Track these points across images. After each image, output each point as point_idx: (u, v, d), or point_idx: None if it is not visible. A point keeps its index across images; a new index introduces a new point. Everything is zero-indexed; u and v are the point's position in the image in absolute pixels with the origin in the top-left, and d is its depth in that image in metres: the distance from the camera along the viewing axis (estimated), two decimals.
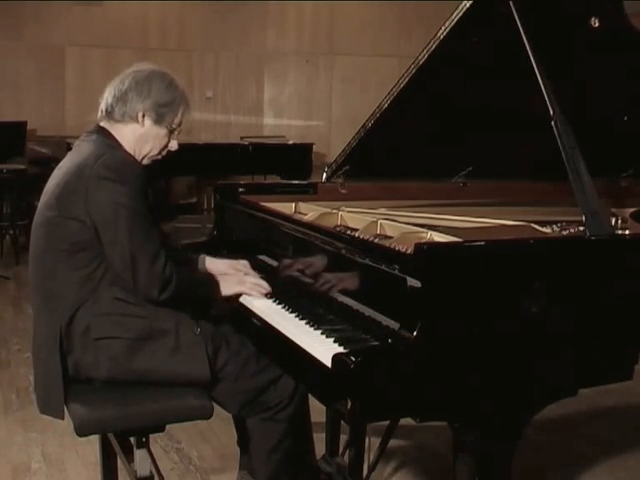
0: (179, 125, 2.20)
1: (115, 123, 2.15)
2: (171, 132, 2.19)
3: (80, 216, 2.02)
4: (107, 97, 2.16)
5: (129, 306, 2.07)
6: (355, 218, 2.46)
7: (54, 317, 2.06)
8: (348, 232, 2.26)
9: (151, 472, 2.10)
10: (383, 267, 1.78)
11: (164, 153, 2.23)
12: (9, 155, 6.74)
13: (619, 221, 2.36)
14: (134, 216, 2.02)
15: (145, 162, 2.20)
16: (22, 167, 6.64)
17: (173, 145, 2.23)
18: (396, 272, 1.73)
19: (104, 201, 2.00)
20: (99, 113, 2.18)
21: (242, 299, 2.22)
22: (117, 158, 2.06)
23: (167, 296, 2.06)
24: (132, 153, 2.16)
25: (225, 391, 2.14)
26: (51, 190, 2.09)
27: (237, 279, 2.26)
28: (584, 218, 1.92)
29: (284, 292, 2.22)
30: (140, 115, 2.13)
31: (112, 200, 2.00)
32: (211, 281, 2.23)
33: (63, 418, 2.08)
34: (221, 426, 3.08)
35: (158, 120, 2.15)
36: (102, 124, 2.18)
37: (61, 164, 2.16)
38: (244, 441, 2.37)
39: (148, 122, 2.15)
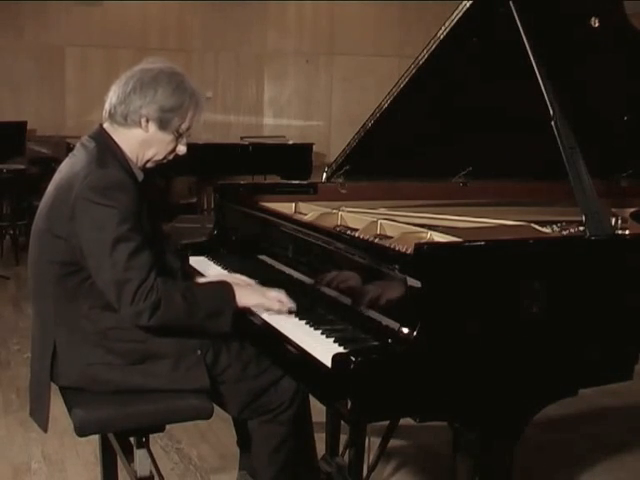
0: (187, 129, 2.08)
1: (118, 126, 2.04)
2: (178, 137, 2.07)
3: (65, 236, 1.94)
4: (111, 97, 2.04)
5: (123, 332, 2.00)
6: (355, 218, 2.46)
7: (47, 334, 2.04)
8: (348, 232, 2.26)
9: (151, 472, 2.10)
10: (383, 267, 1.78)
11: (170, 157, 2.11)
12: (9, 155, 6.73)
13: (619, 221, 2.36)
14: (118, 241, 1.90)
15: (149, 165, 2.10)
16: (22, 167, 6.63)
17: (181, 150, 2.09)
18: (396, 272, 1.73)
19: (89, 225, 1.91)
20: (104, 112, 2.07)
21: None
22: (106, 178, 1.93)
23: (156, 322, 1.92)
24: (134, 158, 2.06)
25: (226, 394, 2.13)
26: (46, 198, 2.03)
27: (260, 290, 2.11)
28: (584, 218, 1.92)
29: (284, 292, 2.22)
30: (144, 120, 2.01)
31: (97, 224, 1.90)
32: (221, 295, 2.05)
33: (46, 430, 2.07)
34: (221, 426, 3.08)
35: (163, 126, 2.02)
36: (105, 126, 2.08)
37: (61, 167, 2.08)
38: (244, 441, 2.37)
39: (153, 128, 2.03)
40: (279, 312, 2.04)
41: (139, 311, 1.91)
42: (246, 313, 2.14)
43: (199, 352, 2.05)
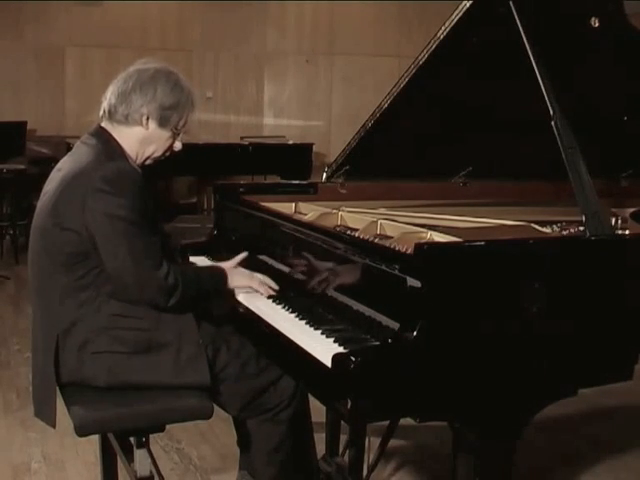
0: (184, 126, 2.16)
1: (118, 125, 2.10)
2: (176, 134, 2.15)
3: (76, 228, 1.98)
4: (110, 97, 2.09)
5: (128, 320, 2.04)
6: (355, 218, 2.46)
7: (51, 326, 2.04)
8: (348, 232, 2.26)
9: (151, 472, 2.09)
10: (383, 267, 1.78)
11: (168, 154, 2.19)
12: (9, 155, 6.73)
13: (619, 221, 2.36)
14: (133, 229, 1.98)
15: (148, 162, 2.16)
16: (22, 167, 6.64)
17: (177, 145, 2.18)
18: (396, 272, 1.73)
19: (102, 214, 1.96)
20: (101, 112, 2.12)
21: (242, 299, 2.22)
22: (115, 169, 1.99)
23: (175, 301, 2.04)
24: (134, 155, 2.12)
25: (225, 392, 2.14)
26: (49, 195, 2.05)
27: (247, 273, 2.26)
28: (584, 218, 1.92)
29: (284, 292, 2.22)
30: (144, 118, 2.08)
31: (110, 213, 1.96)
32: (219, 276, 2.22)
33: (54, 426, 2.07)
34: (221, 426, 3.08)
35: (163, 123, 2.10)
36: (103, 124, 2.12)
37: (60, 165, 2.12)
38: (244, 441, 2.37)
39: (153, 125, 2.10)
40: (263, 293, 2.22)
41: (159, 294, 2.02)
42: (246, 314, 2.15)
43: (200, 341, 2.08)
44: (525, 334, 1.76)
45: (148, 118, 2.09)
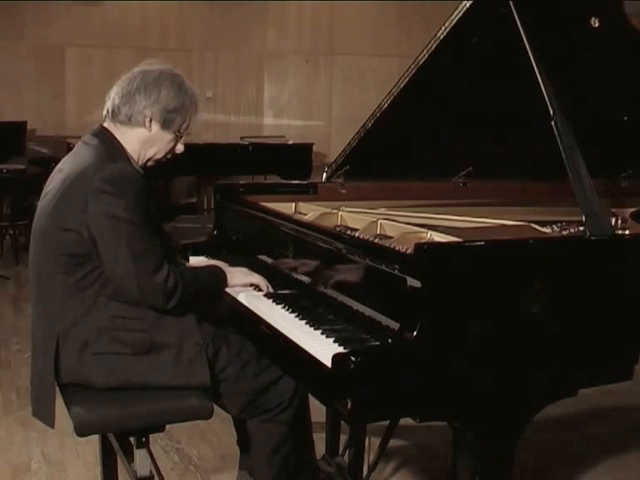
0: (187, 129, 2.15)
1: (120, 125, 2.09)
2: (179, 136, 2.15)
3: (77, 228, 1.98)
4: (114, 97, 2.09)
5: (128, 321, 2.04)
6: (355, 218, 2.46)
7: (51, 327, 2.04)
8: (348, 232, 2.26)
9: (151, 472, 2.10)
10: (383, 267, 1.78)
11: (169, 156, 2.19)
12: (9, 155, 6.73)
13: (619, 221, 2.36)
14: (133, 230, 1.97)
15: (149, 164, 2.16)
16: (22, 167, 6.63)
17: (179, 148, 2.18)
18: (396, 272, 1.73)
19: (103, 215, 1.96)
20: (104, 112, 2.12)
21: (242, 299, 2.22)
22: (116, 170, 2.00)
23: (175, 304, 2.03)
24: (136, 157, 2.12)
25: (225, 392, 2.14)
26: (50, 195, 2.05)
27: (246, 271, 2.29)
28: (584, 218, 1.92)
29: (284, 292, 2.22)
30: (147, 120, 2.08)
31: (111, 214, 1.95)
32: (218, 275, 2.24)
33: (53, 426, 2.07)
34: (221, 426, 3.08)
35: (166, 125, 2.10)
36: (106, 125, 2.12)
37: (61, 166, 2.12)
38: (244, 441, 2.37)
39: (155, 127, 2.09)
40: (263, 289, 2.25)
41: (158, 296, 2.01)
42: (246, 314, 2.15)
43: (201, 342, 2.08)
44: (525, 334, 1.76)
45: (151, 120, 2.09)
